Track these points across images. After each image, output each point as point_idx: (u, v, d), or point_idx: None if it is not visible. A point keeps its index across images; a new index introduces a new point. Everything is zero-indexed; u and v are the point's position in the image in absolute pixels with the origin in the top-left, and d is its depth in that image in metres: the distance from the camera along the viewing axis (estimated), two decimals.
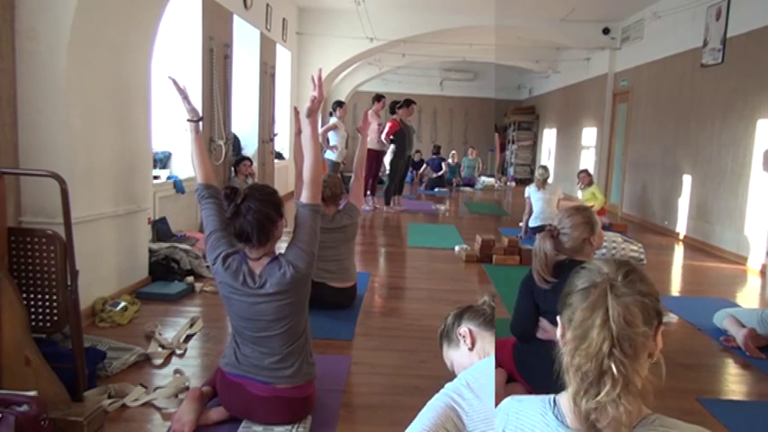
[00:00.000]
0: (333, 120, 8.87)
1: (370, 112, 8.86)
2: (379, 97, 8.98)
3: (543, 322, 2.57)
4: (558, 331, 1.11)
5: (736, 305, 4.47)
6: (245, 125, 8.03)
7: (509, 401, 1.12)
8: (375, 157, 9.07)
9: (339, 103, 9.08)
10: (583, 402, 0.96)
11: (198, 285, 4.40)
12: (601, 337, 0.94)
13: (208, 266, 4.82)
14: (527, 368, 2.58)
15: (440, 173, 13.32)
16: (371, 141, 8.88)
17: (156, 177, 5.23)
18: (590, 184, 8.21)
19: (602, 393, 0.94)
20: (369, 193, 9.15)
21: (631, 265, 1.06)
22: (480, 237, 5.79)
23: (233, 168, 7.11)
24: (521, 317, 2.66)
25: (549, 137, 14.98)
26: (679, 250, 7.02)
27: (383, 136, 9.07)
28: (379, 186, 9.65)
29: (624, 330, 0.94)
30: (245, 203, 2.24)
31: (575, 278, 1.08)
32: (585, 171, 8.47)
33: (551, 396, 1.08)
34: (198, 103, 6.09)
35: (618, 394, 0.93)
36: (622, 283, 1.00)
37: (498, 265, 5.56)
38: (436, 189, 12.75)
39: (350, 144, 9.34)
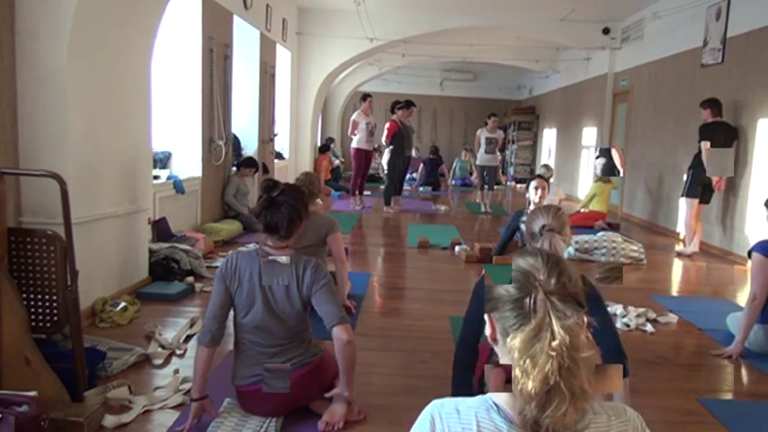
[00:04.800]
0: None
1: (358, 112, 8.98)
2: (365, 96, 9.25)
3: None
4: (488, 329, 1.11)
5: (737, 305, 4.47)
6: (245, 125, 8.02)
7: (438, 406, 1.09)
8: (363, 156, 9.14)
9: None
10: (530, 414, 0.97)
11: (198, 285, 4.39)
12: (549, 363, 0.94)
13: (208, 267, 4.83)
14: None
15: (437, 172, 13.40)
16: (360, 140, 8.99)
17: (156, 177, 5.23)
18: (600, 179, 8.24)
19: (552, 408, 0.95)
20: (357, 192, 9.20)
21: (555, 258, 1.06)
22: (479, 244, 5.85)
23: (236, 167, 7.10)
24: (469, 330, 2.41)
25: (549, 136, 14.98)
26: (679, 250, 7.00)
27: (383, 139, 9.12)
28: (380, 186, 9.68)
29: (570, 351, 0.95)
30: (280, 196, 2.33)
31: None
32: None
33: (487, 398, 1.07)
34: (198, 103, 6.10)
35: (567, 407, 0.94)
36: (558, 291, 1.01)
37: (498, 264, 5.56)
38: (421, 188, 12.85)
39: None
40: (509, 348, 1.00)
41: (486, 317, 1.11)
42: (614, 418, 1.05)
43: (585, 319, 1.01)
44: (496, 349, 1.12)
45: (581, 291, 1.05)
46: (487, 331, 1.12)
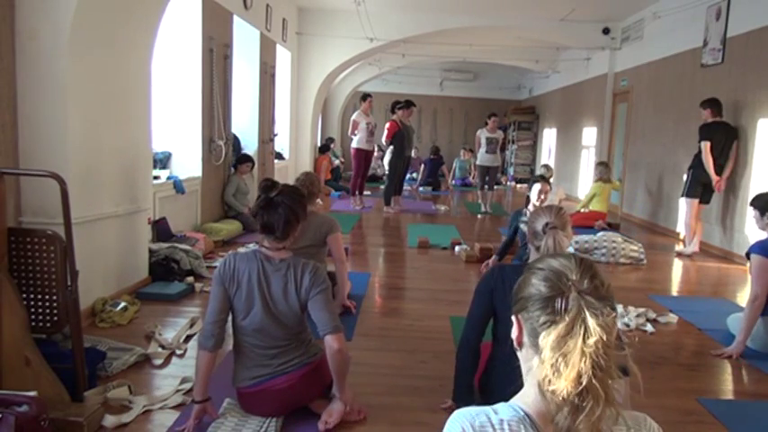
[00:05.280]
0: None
1: (358, 112, 8.99)
2: (365, 96, 9.28)
3: None
4: (514, 331, 1.06)
5: (737, 305, 4.47)
6: (245, 125, 8.03)
7: (467, 416, 1.02)
8: (363, 156, 9.13)
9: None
10: (563, 421, 0.93)
11: (198, 285, 4.39)
12: (582, 360, 0.91)
13: (208, 267, 4.83)
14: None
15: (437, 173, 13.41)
16: (360, 140, 8.98)
17: (156, 177, 5.23)
18: (600, 179, 8.25)
19: (585, 412, 0.91)
20: (357, 192, 9.20)
21: (588, 262, 1.03)
22: (479, 244, 5.83)
23: (233, 167, 7.13)
24: (471, 326, 2.43)
25: (549, 136, 14.98)
26: (679, 250, 7.00)
27: (383, 139, 9.12)
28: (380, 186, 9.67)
29: (605, 349, 0.92)
30: (278, 197, 2.32)
31: (532, 275, 1.04)
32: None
33: (517, 407, 1.02)
34: (198, 103, 6.10)
35: (601, 410, 0.92)
36: (591, 292, 0.97)
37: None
38: (421, 188, 12.84)
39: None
40: (541, 347, 0.96)
41: (513, 318, 1.07)
42: (633, 429, 1.02)
43: (617, 323, 0.97)
44: (519, 355, 1.07)
45: (613, 296, 1.01)
46: (514, 333, 1.06)
